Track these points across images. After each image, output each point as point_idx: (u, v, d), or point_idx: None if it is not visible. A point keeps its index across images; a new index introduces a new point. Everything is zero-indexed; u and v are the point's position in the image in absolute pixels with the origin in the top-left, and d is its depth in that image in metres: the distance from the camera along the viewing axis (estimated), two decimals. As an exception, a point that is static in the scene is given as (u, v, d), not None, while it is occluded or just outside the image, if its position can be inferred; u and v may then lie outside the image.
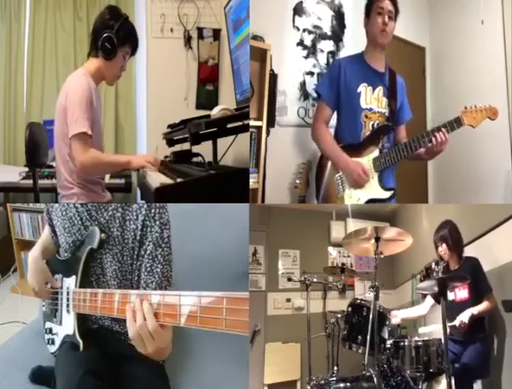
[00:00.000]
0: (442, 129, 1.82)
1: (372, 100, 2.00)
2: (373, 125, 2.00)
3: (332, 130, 2.14)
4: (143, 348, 0.99)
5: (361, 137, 1.99)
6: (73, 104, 1.77)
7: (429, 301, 2.03)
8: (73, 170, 1.89)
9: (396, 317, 1.99)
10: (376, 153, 1.95)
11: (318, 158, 2.14)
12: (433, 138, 1.81)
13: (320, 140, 2.05)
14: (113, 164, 2.00)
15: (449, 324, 1.68)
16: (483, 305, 1.68)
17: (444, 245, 1.85)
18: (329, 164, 2.05)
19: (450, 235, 1.85)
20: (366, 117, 1.99)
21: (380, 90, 2.01)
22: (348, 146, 1.98)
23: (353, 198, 1.97)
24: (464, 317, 1.66)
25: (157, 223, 1.30)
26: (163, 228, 1.31)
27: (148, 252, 1.30)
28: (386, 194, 1.95)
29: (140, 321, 0.95)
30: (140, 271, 1.33)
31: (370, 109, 2.00)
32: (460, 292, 1.78)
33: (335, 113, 2.10)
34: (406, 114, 2.14)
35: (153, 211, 1.30)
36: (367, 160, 1.96)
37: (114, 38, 1.86)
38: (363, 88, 1.99)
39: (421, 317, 2.18)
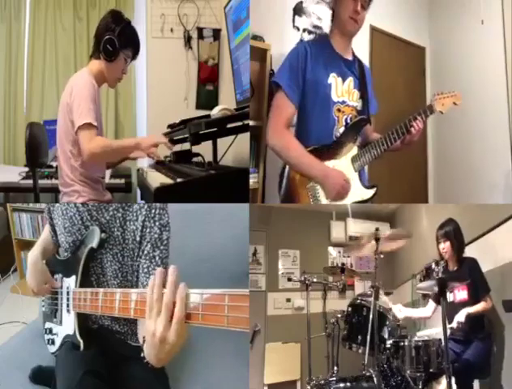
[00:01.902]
0: (418, 117, 1.73)
1: (343, 92, 1.77)
2: (346, 119, 1.79)
3: (292, 130, 1.84)
4: (164, 332, 0.81)
5: (334, 134, 1.77)
6: (78, 98, 1.79)
7: (432, 304, 2.02)
8: (74, 167, 1.90)
9: (400, 311, 1.99)
10: (354, 151, 1.77)
11: (281, 167, 1.81)
12: (412, 129, 1.72)
13: (284, 148, 1.71)
14: (122, 148, 1.96)
15: (448, 326, 1.69)
16: (479, 305, 1.69)
17: (448, 242, 1.84)
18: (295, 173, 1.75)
19: (455, 233, 1.85)
20: (339, 111, 1.77)
21: (350, 81, 1.80)
22: (321, 148, 1.74)
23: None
24: (460, 317, 1.67)
25: (157, 224, 1.30)
26: (162, 230, 1.30)
27: (146, 252, 1.30)
28: (370, 193, 1.79)
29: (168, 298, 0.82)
30: (138, 272, 1.32)
31: (343, 102, 1.78)
32: (459, 293, 1.78)
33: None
34: (373, 107, 1.92)
35: (153, 211, 1.30)
36: (345, 160, 1.77)
37: (116, 40, 1.88)
38: (333, 79, 1.75)
39: (425, 319, 2.17)
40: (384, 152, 1.76)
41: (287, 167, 1.78)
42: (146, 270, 1.29)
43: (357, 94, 1.82)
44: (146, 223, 1.30)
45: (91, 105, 1.79)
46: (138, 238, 1.31)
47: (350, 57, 1.84)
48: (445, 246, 1.85)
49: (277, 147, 1.73)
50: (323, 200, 1.73)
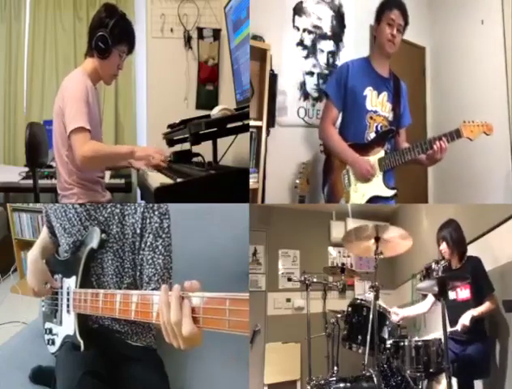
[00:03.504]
0: (443, 138, 1.90)
1: (377, 103, 2.08)
2: (376, 126, 2.08)
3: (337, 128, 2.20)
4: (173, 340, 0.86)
5: (365, 137, 2.07)
6: (70, 102, 1.76)
7: (430, 299, 2.02)
8: (72, 171, 1.89)
9: (397, 315, 1.98)
10: (381, 154, 2.04)
11: (325, 156, 2.23)
12: (434, 146, 1.90)
13: (328, 138, 2.14)
14: (116, 155, 1.92)
15: (451, 329, 1.68)
16: (483, 306, 1.68)
17: (444, 243, 1.86)
18: (335, 161, 2.13)
19: (452, 234, 1.85)
20: (371, 118, 2.07)
21: (385, 95, 2.09)
22: (355, 145, 2.06)
23: (359, 192, 2.06)
24: (465, 320, 1.66)
25: (156, 213, 1.30)
26: (162, 218, 1.31)
27: (148, 244, 1.30)
28: (390, 193, 2.04)
29: (176, 317, 0.82)
30: (142, 265, 1.32)
31: (375, 112, 2.08)
32: (462, 292, 1.78)
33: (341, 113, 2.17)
34: (406, 119, 2.21)
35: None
36: (373, 160, 2.04)
37: (108, 37, 1.82)
38: (369, 92, 2.07)
39: (422, 315, 2.17)
40: (408, 162, 2.01)
41: (332, 158, 2.17)
42: (150, 261, 1.30)
43: (389, 106, 2.10)
44: (145, 214, 1.30)
45: (83, 108, 1.75)
46: (138, 231, 1.31)
47: (386, 75, 2.13)
48: (443, 248, 1.86)
49: (323, 138, 2.19)
50: (352, 185, 2.08)
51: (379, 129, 2.08)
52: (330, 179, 2.16)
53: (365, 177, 2.03)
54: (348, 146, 2.06)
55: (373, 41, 2.19)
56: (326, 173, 2.19)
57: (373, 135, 2.07)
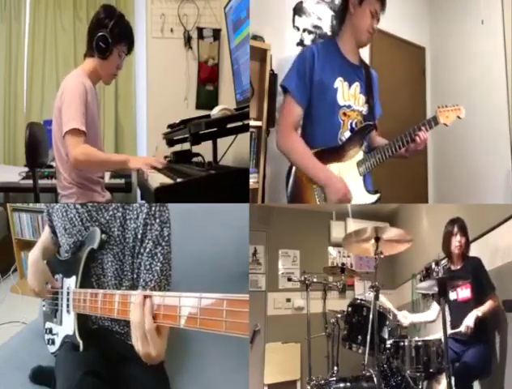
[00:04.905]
0: (422, 127, 1.78)
1: (349, 96, 1.81)
2: (351, 123, 1.82)
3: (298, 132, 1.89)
4: (136, 344, 0.97)
5: (338, 137, 1.81)
6: (67, 103, 1.77)
7: (436, 307, 2.00)
8: (71, 170, 1.89)
9: (406, 318, 1.97)
10: (360, 155, 1.81)
11: (288, 166, 1.88)
12: (417, 138, 1.77)
13: (291, 150, 1.77)
14: (108, 162, 1.93)
15: (453, 331, 1.68)
16: (487, 305, 1.67)
17: (464, 238, 1.81)
18: (303, 176, 1.82)
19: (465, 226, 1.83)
20: (344, 114, 1.80)
21: (357, 86, 1.83)
22: (328, 150, 1.78)
23: None
24: (469, 321, 1.65)
25: (157, 221, 1.30)
26: (163, 226, 1.31)
27: (148, 250, 1.30)
28: (373, 198, 1.84)
29: (139, 318, 0.94)
30: (139, 269, 1.33)
31: (349, 107, 1.81)
32: (462, 292, 1.77)
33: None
34: (378, 111, 1.97)
35: (153, 209, 1.30)
36: (351, 164, 1.82)
37: (108, 37, 1.85)
38: (339, 83, 1.78)
39: (431, 322, 2.15)
40: (389, 158, 1.80)
41: (293, 167, 1.83)
42: (148, 267, 1.30)
43: (363, 99, 1.85)
44: (147, 220, 1.30)
45: (81, 109, 1.76)
46: (139, 236, 1.31)
47: (357, 63, 1.87)
48: (462, 240, 1.82)
49: (284, 149, 1.79)
50: (328, 200, 1.77)
51: (354, 126, 1.81)
52: (298, 195, 1.83)
53: (343, 202, 1.72)
54: (320, 152, 1.76)
55: (341, 15, 1.85)
56: (291, 184, 1.84)
57: (347, 135, 1.80)
